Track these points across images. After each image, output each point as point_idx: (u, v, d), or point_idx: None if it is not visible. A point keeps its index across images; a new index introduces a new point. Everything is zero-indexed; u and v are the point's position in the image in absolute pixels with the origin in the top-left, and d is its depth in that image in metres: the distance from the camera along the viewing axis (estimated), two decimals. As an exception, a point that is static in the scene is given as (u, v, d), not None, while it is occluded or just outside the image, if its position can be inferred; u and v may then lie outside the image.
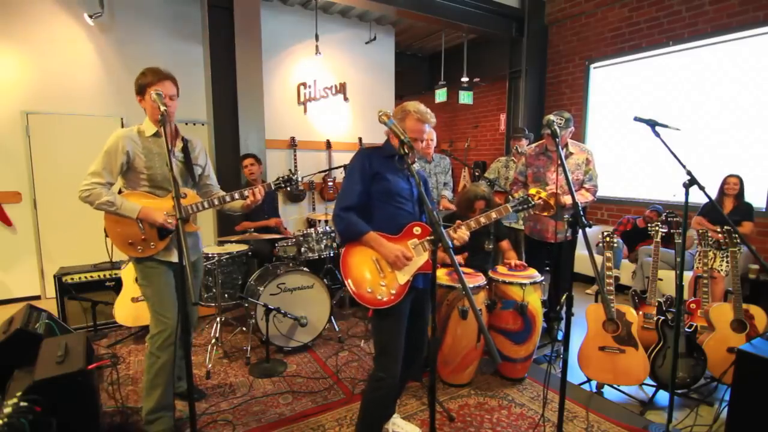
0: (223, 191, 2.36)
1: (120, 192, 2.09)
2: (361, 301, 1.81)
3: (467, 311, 2.52)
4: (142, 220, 2.03)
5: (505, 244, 3.15)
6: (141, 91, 2.02)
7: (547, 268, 3.46)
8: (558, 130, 1.82)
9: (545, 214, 3.19)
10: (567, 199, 3.01)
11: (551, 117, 1.87)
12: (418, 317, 2.01)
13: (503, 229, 3.23)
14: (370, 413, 1.92)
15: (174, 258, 2.15)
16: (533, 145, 3.50)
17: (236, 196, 2.17)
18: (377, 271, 1.83)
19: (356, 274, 1.83)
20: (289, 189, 2.47)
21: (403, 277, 1.83)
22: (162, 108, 1.68)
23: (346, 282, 1.83)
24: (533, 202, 1.91)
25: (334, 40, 5.80)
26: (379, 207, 1.90)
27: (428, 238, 1.85)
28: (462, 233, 1.92)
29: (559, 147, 1.75)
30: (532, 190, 3.21)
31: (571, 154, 3.19)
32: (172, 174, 1.55)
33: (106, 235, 2.15)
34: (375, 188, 1.88)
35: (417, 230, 1.87)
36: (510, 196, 4.20)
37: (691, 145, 4.65)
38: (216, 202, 2.17)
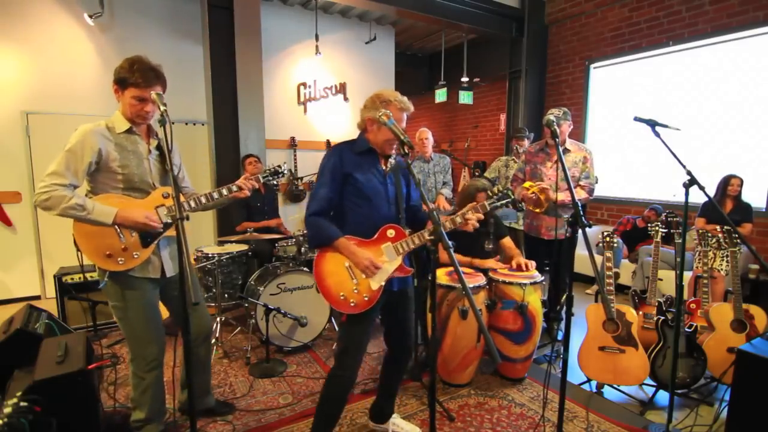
0: (192, 188, 2.17)
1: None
2: (335, 307, 1.80)
3: (467, 311, 2.52)
4: (120, 225, 1.77)
5: (506, 241, 3.14)
6: (123, 85, 1.80)
7: (546, 268, 3.46)
8: (557, 130, 1.82)
9: (537, 210, 3.21)
10: (559, 195, 3.03)
11: (551, 117, 1.87)
12: (401, 317, 1.99)
13: (503, 227, 3.23)
14: (324, 409, 1.91)
15: (153, 273, 1.91)
16: (534, 143, 3.51)
17: (224, 192, 2.00)
18: (350, 277, 1.79)
19: (329, 280, 1.80)
20: (276, 183, 2.38)
21: (376, 283, 1.79)
22: (162, 108, 1.52)
23: (319, 288, 1.81)
24: (512, 196, 1.81)
25: (334, 40, 5.80)
26: (351, 209, 1.83)
27: (403, 240, 1.80)
28: (475, 216, 1.80)
29: (559, 145, 1.75)
30: (527, 184, 3.22)
31: (568, 151, 3.22)
32: (172, 174, 1.49)
33: (78, 249, 1.82)
34: (347, 189, 1.81)
35: (391, 233, 1.80)
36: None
37: (691, 145, 4.64)
38: (203, 200, 1.96)
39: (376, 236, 1.81)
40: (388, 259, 1.80)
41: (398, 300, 1.94)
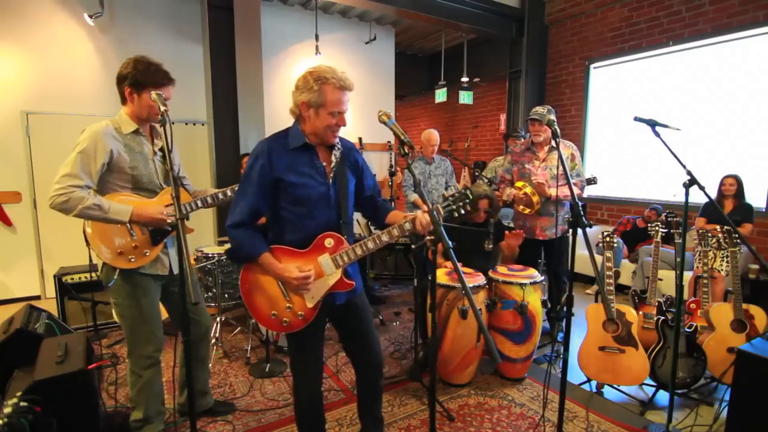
0: (192, 186, 2.19)
1: None
2: (267, 327, 1.65)
3: (467, 311, 2.52)
4: (133, 223, 1.80)
5: (504, 244, 3.14)
6: (138, 87, 1.79)
7: (544, 268, 3.46)
8: (558, 130, 1.82)
9: (527, 211, 3.20)
10: (552, 191, 3.03)
11: (551, 117, 1.87)
12: (356, 330, 1.79)
13: (503, 229, 3.22)
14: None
15: (161, 270, 1.95)
16: (519, 143, 3.50)
17: (229, 193, 2.02)
18: (282, 294, 1.60)
19: (258, 297, 1.62)
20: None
21: (311, 300, 1.61)
22: (162, 108, 1.54)
23: (246, 306, 1.64)
24: (470, 197, 1.61)
25: (334, 40, 5.80)
26: (287, 217, 1.60)
27: (342, 251, 1.60)
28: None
29: (560, 146, 1.75)
30: (519, 184, 3.22)
31: (555, 149, 3.21)
32: (172, 173, 1.49)
33: (88, 244, 1.86)
34: (280, 196, 1.58)
35: (329, 243, 1.60)
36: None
37: (692, 145, 4.64)
38: (210, 201, 2.01)
39: (311, 247, 1.60)
40: (325, 272, 1.60)
41: (347, 312, 1.75)
